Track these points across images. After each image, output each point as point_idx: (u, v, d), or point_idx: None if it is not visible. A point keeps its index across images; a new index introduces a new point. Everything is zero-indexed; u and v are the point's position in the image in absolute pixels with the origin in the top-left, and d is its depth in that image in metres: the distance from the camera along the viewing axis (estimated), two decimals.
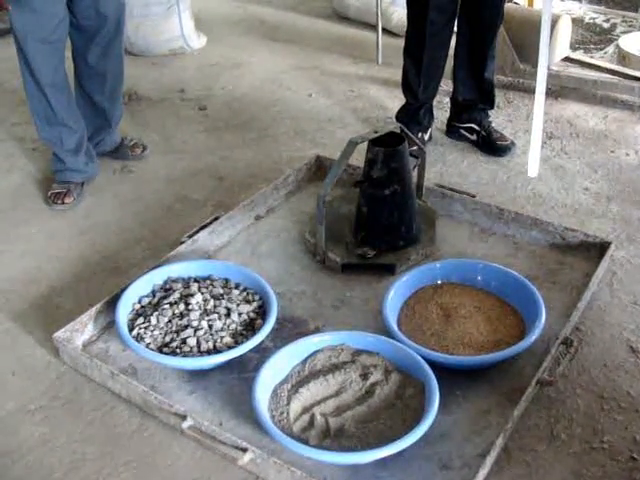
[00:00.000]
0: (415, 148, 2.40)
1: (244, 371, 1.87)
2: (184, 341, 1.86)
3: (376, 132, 2.17)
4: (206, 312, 1.93)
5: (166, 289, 2.05)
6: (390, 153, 2.15)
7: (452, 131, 3.04)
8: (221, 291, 2.02)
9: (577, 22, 4.03)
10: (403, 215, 2.23)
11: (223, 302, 1.97)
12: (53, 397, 1.85)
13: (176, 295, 1.98)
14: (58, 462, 1.68)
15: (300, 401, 1.70)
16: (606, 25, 4.09)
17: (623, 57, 3.49)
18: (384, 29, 3.89)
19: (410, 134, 2.28)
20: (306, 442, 1.60)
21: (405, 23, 2.86)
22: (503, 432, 1.62)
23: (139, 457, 1.69)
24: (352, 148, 2.13)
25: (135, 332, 1.89)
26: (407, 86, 2.92)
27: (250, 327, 1.93)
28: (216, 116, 3.32)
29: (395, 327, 1.88)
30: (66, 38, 2.52)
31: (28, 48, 2.41)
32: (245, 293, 2.03)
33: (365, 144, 2.20)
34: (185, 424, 1.66)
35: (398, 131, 2.24)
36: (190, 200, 2.67)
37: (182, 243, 2.24)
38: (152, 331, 1.89)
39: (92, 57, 2.63)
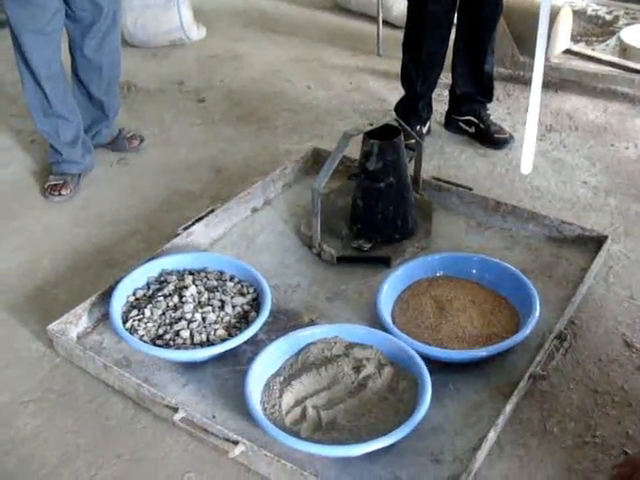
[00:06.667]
0: (412, 141, 2.39)
1: (238, 364, 1.87)
2: (177, 333, 1.85)
3: (371, 124, 2.16)
4: (200, 304, 1.93)
5: (160, 281, 2.04)
6: (385, 146, 2.14)
7: (451, 124, 3.03)
8: (215, 283, 2.01)
9: (579, 14, 3.99)
10: (399, 208, 2.22)
11: (217, 295, 1.96)
12: (47, 389, 1.86)
13: (170, 287, 1.98)
14: (51, 454, 1.69)
15: (292, 394, 1.69)
16: (609, 17, 4.04)
17: (624, 49, 3.46)
18: (384, 21, 3.87)
19: (406, 127, 2.27)
20: (298, 435, 1.60)
21: (405, 15, 2.84)
22: (494, 427, 1.61)
23: (131, 449, 1.69)
24: (347, 141, 2.12)
25: (129, 324, 1.89)
26: (406, 79, 2.91)
27: (244, 320, 1.93)
28: (214, 108, 3.31)
29: (389, 320, 1.88)
30: (62, 29, 2.52)
31: (23, 40, 2.41)
32: (239, 286, 2.03)
33: (363, 137, 2.19)
34: (177, 416, 1.66)
35: (394, 124, 2.22)
36: (186, 192, 2.66)
37: (177, 235, 2.23)
38: (146, 323, 1.89)
39: (88, 49, 2.62)
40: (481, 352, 1.80)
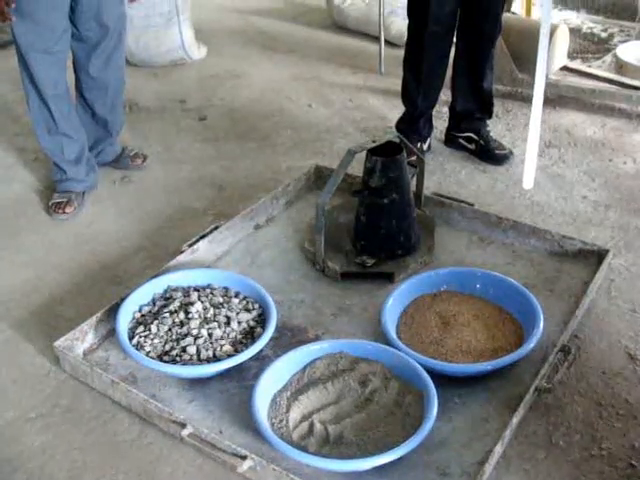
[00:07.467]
0: (414, 158, 2.42)
1: (244, 379, 1.88)
2: (184, 349, 1.86)
3: (374, 141, 2.19)
4: (206, 320, 1.94)
5: (166, 298, 2.06)
6: (388, 162, 2.16)
7: (451, 141, 3.06)
8: (221, 300, 2.03)
9: (575, 31, 4.04)
10: (402, 224, 2.24)
11: (223, 311, 1.98)
12: (53, 405, 1.86)
13: (176, 304, 1.99)
14: (58, 470, 1.69)
15: (299, 409, 1.70)
16: (604, 34, 4.10)
17: (620, 66, 3.51)
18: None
19: (409, 143, 2.29)
20: (305, 449, 1.61)
21: (404, 33, 2.89)
22: (501, 440, 1.62)
23: (139, 465, 1.69)
24: (351, 157, 2.15)
25: (135, 340, 1.90)
26: (407, 96, 2.94)
27: (250, 335, 1.94)
28: (216, 126, 3.34)
29: (394, 335, 1.89)
30: (68, 49, 2.54)
31: (30, 59, 2.44)
32: (245, 302, 2.04)
33: (364, 153, 2.21)
34: (185, 432, 1.66)
35: (396, 140, 2.25)
36: (190, 209, 2.68)
37: (182, 252, 2.25)
38: (152, 339, 1.91)
39: (93, 68, 2.65)
40: (486, 366, 1.81)
